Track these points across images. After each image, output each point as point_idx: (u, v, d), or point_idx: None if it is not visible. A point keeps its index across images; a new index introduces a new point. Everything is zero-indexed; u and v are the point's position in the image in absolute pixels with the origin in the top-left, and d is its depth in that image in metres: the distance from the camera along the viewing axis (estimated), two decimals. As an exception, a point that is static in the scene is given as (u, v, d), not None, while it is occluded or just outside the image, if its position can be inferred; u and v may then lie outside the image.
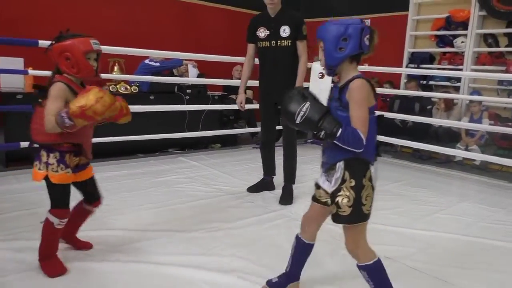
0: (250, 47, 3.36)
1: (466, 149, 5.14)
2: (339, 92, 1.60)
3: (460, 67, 5.73)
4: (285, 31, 3.16)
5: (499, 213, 3.42)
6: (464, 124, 5.14)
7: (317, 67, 5.77)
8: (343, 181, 1.56)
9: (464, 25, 5.70)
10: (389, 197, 3.70)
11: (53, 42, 1.90)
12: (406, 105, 5.78)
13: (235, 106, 4.04)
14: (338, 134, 1.49)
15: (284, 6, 3.23)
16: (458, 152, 5.03)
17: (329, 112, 1.55)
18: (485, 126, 4.97)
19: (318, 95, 1.59)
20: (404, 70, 6.15)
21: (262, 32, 3.21)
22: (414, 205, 3.52)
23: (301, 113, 1.52)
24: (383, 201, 3.52)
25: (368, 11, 7.06)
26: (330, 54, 1.57)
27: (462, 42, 5.70)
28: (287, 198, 3.36)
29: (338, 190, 1.57)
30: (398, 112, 5.69)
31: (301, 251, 1.84)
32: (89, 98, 1.76)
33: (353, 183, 1.54)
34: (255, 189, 3.60)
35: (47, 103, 1.84)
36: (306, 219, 1.82)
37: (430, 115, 5.53)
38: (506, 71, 5.22)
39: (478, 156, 4.83)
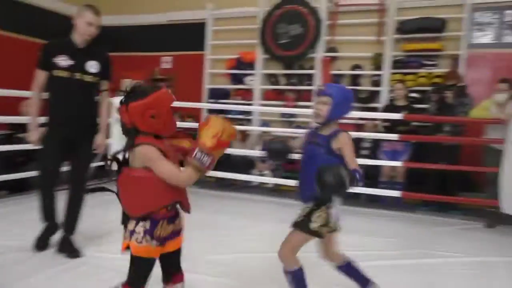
0: (42, 75, 2.86)
1: (261, 175, 5.73)
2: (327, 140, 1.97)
3: (251, 102, 6.45)
4: (93, 66, 2.93)
5: (286, 227, 3.88)
6: (257, 152, 5.75)
7: (116, 101, 5.63)
8: None
9: (252, 65, 6.49)
10: (193, 226, 3.78)
11: (123, 100, 1.62)
12: (208, 137, 6.13)
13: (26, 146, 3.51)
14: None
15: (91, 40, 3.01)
16: (254, 177, 5.58)
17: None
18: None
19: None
20: (204, 105, 6.56)
21: (63, 61, 2.83)
22: (216, 230, 3.70)
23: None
24: (188, 230, 3.59)
25: (171, 49, 7.35)
26: (336, 111, 1.95)
27: (251, 80, 6.46)
28: (70, 249, 2.91)
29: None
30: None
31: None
32: (214, 125, 1.58)
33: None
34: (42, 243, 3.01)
35: (157, 168, 1.56)
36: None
37: (229, 145, 5.99)
38: (286, 105, 6.11)
39: (270, 180, 5.46)
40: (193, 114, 6.60)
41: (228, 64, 6.77)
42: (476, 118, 4.23)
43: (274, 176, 5.64)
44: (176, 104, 5.53)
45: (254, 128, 6.20)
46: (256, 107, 6.32)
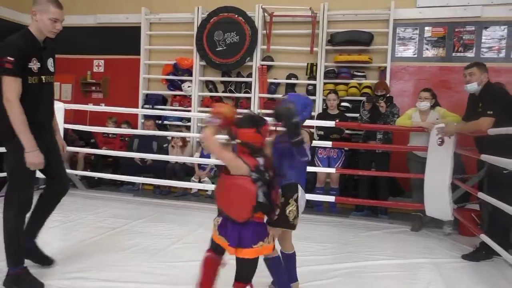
0: (19, 83, 2.38)
1: (200, 181, 5.72)
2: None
3: (189, 108, 6.42)
4: (51, 64, 2.63)
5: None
6: (196, 159, 5.74)
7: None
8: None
9: (189, 71, 6.46)
10: (130, 236, 3.74)
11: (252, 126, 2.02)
12: (145, 143, 6.01)
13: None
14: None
15: None
16: (193, 185, 5.56)
17: None
18: (214, 160, 5.69)
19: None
20: (140, 111, 6.42)
21: (35, 65, 2.46)
22: (154, 240, 3.65)
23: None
24: (124, 241, 3.55)
25: (103, 52, 7.09)
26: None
27: (189, 86, 6.43)
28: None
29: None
30: (137, 151, 5.85)
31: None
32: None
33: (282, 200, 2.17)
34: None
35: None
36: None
37: (167, 152, 5.92)
38: (225, 112, 6.16)
39: (209, 187, 5.47)
40: (129, 120, 6.43)
41: (165, 69, 6.68)
42: (401, 126, 4.56)
43: (214, 183, 5.67)
44: (111, 109, 5.46)
45: (193, 135, 6.18)
46: (194, 114, 6.30)
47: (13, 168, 2.50)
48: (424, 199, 4.25)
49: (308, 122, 5.26)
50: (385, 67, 5.70)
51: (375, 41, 5.78)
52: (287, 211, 2.19)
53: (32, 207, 2.64)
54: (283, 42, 6.14)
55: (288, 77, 6.15)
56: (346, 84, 5.81)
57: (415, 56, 5.78)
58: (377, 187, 4.85)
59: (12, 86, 2.36)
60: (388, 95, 5.01)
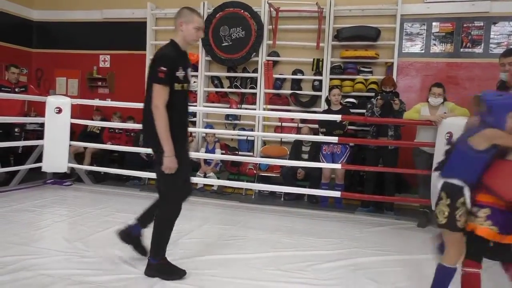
0: (167, 92, 2.55)
1: (205, 176, 5.73)
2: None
3: (194, 104, 6.41)
4: (190, 73, 2.80)
5: (232, 229, 3.96)
6: (202, 155, 5.75)
7: (51, 100, 5.39)
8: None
9: (195, 67, 6.44)
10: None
11: None
12: (150, 139, 6.00)
13: None
14: None
15: None
16: (198, 180, 5.57)
17: None
18: (218, 155, 5.71)
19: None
20: (146, 106, 6.42)
21: (180, 73, 2.62)
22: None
23: None
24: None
25: (109, 47, 7.11)
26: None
27: (195, 82, 6.42)
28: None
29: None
30: (143, 146, 5.85)
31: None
32: None
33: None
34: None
35: None
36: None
37: (172, 147, 5.92)
38: (230, 108, 6.16)
39: (215, 182, 5.48)
40: (133, 116, 6.44)
41: (171, 65, 6.67)
42: (409, 120, 4.53)
43: (219, 178, 5.67)
44: (117, 104, 5.47)
45: (198, 130, 6.18)
46: (200, 108, 6.30)
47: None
48: (430, 195, 4.23)
49: (311, 117, 5.30)
50: (392, 63, 5.67)
51: (382, 36, 5.74)
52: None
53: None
54: (289, 38, 6.11)
55: (294, 73, 6.13)
56: (352, 80, 5.79)
57: (423, 51, 5.74)
58: (384, 183, 4.82)
59: (161, 94, 2.54)
60: (395, 91, 4.98)
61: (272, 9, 6.04)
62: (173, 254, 3.15)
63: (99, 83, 7.20)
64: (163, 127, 2.52)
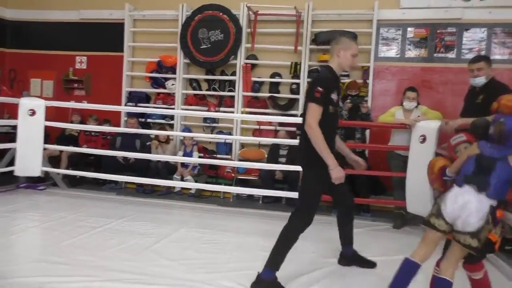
0: (320, 111, 2.66)
1: (182, 180, 5.69)
2: None
3: (172, 106, 6.37)
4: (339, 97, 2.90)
5: (209, 233, 3.95)
6: (179, 158, 5.71)
7: (24, 102, 5.27)
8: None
9: (173, 69, 6.41)
10: (112, 235, 3.70)
11: None
12: (128, 142, 5.94)
13: None
14: None
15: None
16: (175, 183, 5.53)
17: None
18: (196, 159, 5.68)
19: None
20: (123, 108, 6.35)
21: (335, 96, 2.74)
22: (136, 239, 3.62)
23: None
24: (106, 240, 3.52)
25: (86, 48, 7.00)
26: None
27: (173, 84, 6.38)
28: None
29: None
30: (120, 149, 5.79)
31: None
32: None
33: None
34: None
35: None
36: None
37: (149, 151, 5.87)
38: (208, 111, 6.15)
39: (192, 185, 5.46)
40: (110, 118, 6.35)
41: (148, 67, 6.62)
42: (384, 123, 4.61)
43: (196, 181, 5.65)
44: (94, 106, 5.39)
45: (176, 133, 6.14)
46: (178, 111, 6.26)
47: (309, 189, 2.82)
48: (405, 197, 4.31)
49: (288, 121, 5.33)
50: (368, 67, 5.76)
51: (359, 41, 5.75)
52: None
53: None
54: (268, 41, 6.14)
55: (272, 76, 6.16)
56: (330, 83, 5.84)
57: (398, 56, 5.85)
58: (356, 185, 4.89)
59: (315, 113, 2.65)
60: (359, 95, 5.10)
61: (250, 12, 6.07)
62: (150, 259, 3.13)
63: (75, 85, 7.06)
64: (321, 143, 2.62)
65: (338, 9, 5.88)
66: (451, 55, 5.66)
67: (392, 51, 5.86)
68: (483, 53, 5.49)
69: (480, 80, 3.64)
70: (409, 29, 5.81)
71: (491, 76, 3.66)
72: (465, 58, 5.44)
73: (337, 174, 2.66)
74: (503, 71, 5.31)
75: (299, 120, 5.05)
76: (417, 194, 4.17)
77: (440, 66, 5.68)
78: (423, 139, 4.14)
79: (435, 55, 5.72)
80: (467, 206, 2.20)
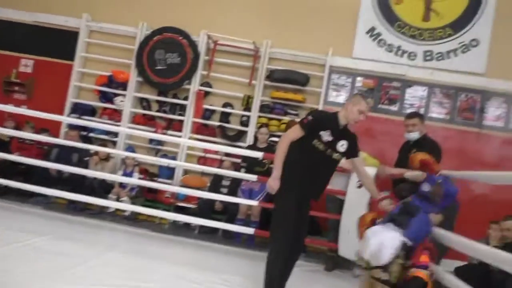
0: (299, 134, 3.00)
1: (118, 200, 5.46)
2: None
3: (118, 123, 6.18)
4: (342, 145, 3.08)
5: (137, 259, 3.78)
6: (119, 177, 5.50)
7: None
8: None
9: (124, 86, 6.27)
10: (30, 253, 3.45)
11: None
12: (65, 154, 5.66)
13: None
14: None
15: None
16: (110, 203, 5.28)
17: None
18: (135, 180, 5.49)
19: None
20: (65, 119, 6.06)
21: (326, 136, 2.99)
22: (56, 260, 3.39)
23: None
24: (23, 258, 3.25)
25: (34, 52, 6.68)
26: None
27: (122, 101, 6.22)
28: None
29: None
30: (55, 161, 5.49)
31: None
32: None
33: None
34: None
35: None
36: None
37: (87, 166, 5.61)
38: (155, 132, 6.02)
39: (128, 207, 5.25)
40: (50, 128, 6.03)
41: (99, 80, 6.42)
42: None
43: (133, 204, 5.44)
44: (34, 113, 5.06)
45: (118, 152, 5.93)
46: (123, 129, 6.06)
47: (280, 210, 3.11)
48: (338, 239, 4.39)
49: (235, 152, 5.34)
50: (317, 109, 5.94)
51: (311, 83, 6.03)
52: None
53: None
54: (224, 71, 6.20)
55: (224, 106, 6.20)
56: (279, 120, 5.97)
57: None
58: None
59: (293, 133, 3.03)
60: None
61: (210, 41, 6.13)
62: (65, 283, 2.92)
63: (16, 88, 6.68)
64: (280, 155, 2.97)
65: (295, 50, 6.08)
66: (394, 108, 5.99)
67: (341, 97, 6.10)
68: (422, 110, 5.87)
69: (414, 135, 3.88)
70: (358, 78, 6.10)
71: (424, 132, 3.91)
72: (406, 112, 5.77)
73: (271, 183, 2.98)
74: (438, 129, 5.72)
75: (245, 152, 5.11)
76: (349, 238, 4.26)
77: (383, 117, 5.98)
78: (360, 185, 4.28)
79: (379, 106, 6.02)
80: (382, 241, 2.33)
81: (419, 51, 5.98)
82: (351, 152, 3.22)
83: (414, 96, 5.98)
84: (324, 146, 2.98)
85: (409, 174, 3.49)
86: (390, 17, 6.03)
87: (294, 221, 2.99)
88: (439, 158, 3.74)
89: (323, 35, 6.05)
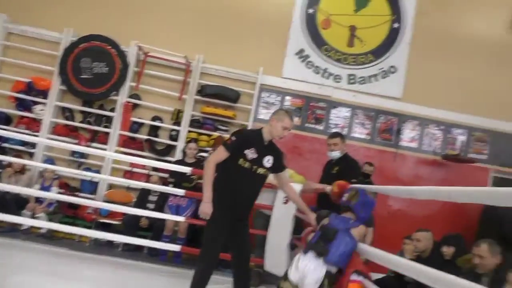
0: (225, 156, 3.06)
1: (33, 216, 5.07)
2: None
3: (37, 133, 5.78)
4: (268, 161, 3.15)
5: (53, 281, 3.53)
6: (35, 191, 5.11)
7: None
8: None
9: (45, 94, 5.89)
10: None
11: None
12: (-27, 166, 5.17)
13: None
14: None
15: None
16: (24, 220, 4.89)
17: None
18: (53, 194, 5.14)
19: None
20: (-25, 127, 5.55)
21: (251, 154, 3.06)
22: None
23: None
24: None
25: None
26: None
27: (42, 110, 5.84)
28: None
29: None
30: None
31: None
32: None
33: None
34: None
35: None
36: None
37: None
38: (78, 144, 5.71)
39: (44, 224, 4.88)
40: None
41: (16, 86, 5.97)
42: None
43: (51, 220, 5.09)
44: None
45: (36, 164, 5.52)
46: (42, 140, 5.67)
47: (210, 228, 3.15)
48: (264, 255, 4.44)
49: (162, 166, 5.23)
50: (247, 126, 6.04)
51: (241, 100, 6.13)
52: None
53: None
54: (154, 83, 6.09)
55: (153, 119, 6.06)
56: (209, 135, 5.96)
57: (275, 120, 6.25)
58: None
59: (219, 156, 3.07)
60: None
61: (141, 52, 6.00)
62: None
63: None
64: (208, 177, 3.02)
65: (227, 66, 6.16)
66: (320, 127, 6.27)
67: (270, 114, 6.23)
68: (346, 130, 6.21)
69: (336, 154, 4.09)
70: (287, 97, 6.32)
71: (345, 151, 4.14)
72: (331, 132, 6.08)
73: (203, 208, 3.00)
74: (360, 148, 6.08)
75: (173, 167, 5.02)
76: (275, 253, 4.33)
77: (310, 136, 6.23)
78: (286, 201, 4.38)
79: (306, 124, 6.27)
80: (305, 270, 2.40)
81: (344, 74, 6.35)
82: (277, 167, 3.28)
83: (338, 116, 6.31)
84: (249, 163, 3.05)
85: (329, 188, 3.67)
86: (317, 40, 6.35)
87: (224, 242, 3.12)
88: (358, 175, 3.98)
89: (255, 54, 6.21)
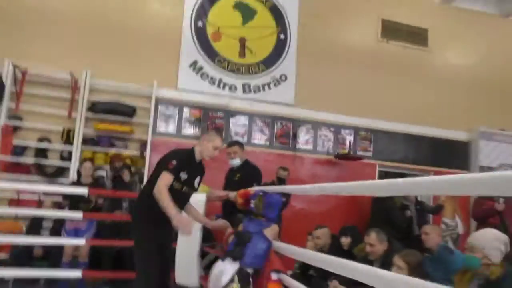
0: (171, 180, 2.93)
1: None
2: None
3: None
4: (197, 181, 3.17)
5: None
6: None
7: None
8: None
9: None
10: None
11: None
12: None
13: None
14: None
15: None
16: None
17: None
18: None
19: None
20: None
21: (184, 175, 3.01)
22: None
23: None
24: None
25: None
26: None
27: None
28: None
29: None
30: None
31: None
32: None
33: None
34: None
35: None
36: None
37: None
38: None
39: None
40: None
41: None
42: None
43: None
44: None
45: None
46: None
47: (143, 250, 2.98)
48: (175, 267, 4.31)
49: (55, 191, 4.83)
50: (146, 141, 5.85)
51: (138, 114, 5.94)
52: None
53: None
54: (37, 103, 5.62)
55: (40, 140, 5.57)
56: (106, 153, 5.66)
57: (175, 133, 6.18)
58: (125, 257, 4.66)
59: (167, 181, 2.90)
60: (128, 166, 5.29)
61: (17, 70, 5.49)
62: None
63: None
64: (168, 201, 2.78)
65: (118, 81, 5.92)
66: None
67: (170, 127, 6.17)
68: (245, 137, 6.37)
69: (236, 162, 4.19)
70: (185, 109, 6.28)
71: (245, 158, 4.25)
72: (232, 140, 6.19)
73: (179, 224, 2.74)
74: (260, 153, 6.27)
75: (67, 190, 4.65)
76: (185, 264, 4.23)
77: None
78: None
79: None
80: (222, 271, 2.45)
81: (239, 84, 6.54)
82: (198, 187, 3.29)
83: (237, 124, 6.46)
84: (181, 185, 3.02)
85: (232, 195, 3.75)
86: (210, 52, 6.47)
87: (160, 261, 2.98)
88: (260, 180, 4.12)
89: (147, 68, 6.08)
